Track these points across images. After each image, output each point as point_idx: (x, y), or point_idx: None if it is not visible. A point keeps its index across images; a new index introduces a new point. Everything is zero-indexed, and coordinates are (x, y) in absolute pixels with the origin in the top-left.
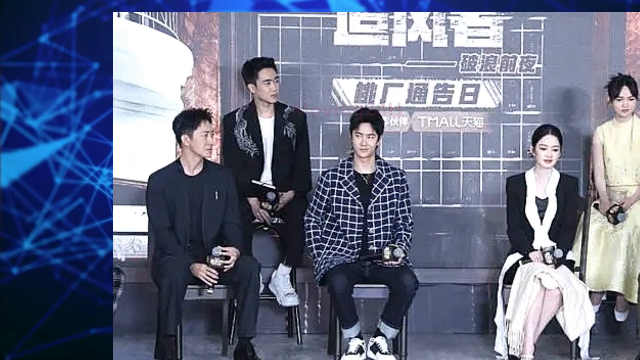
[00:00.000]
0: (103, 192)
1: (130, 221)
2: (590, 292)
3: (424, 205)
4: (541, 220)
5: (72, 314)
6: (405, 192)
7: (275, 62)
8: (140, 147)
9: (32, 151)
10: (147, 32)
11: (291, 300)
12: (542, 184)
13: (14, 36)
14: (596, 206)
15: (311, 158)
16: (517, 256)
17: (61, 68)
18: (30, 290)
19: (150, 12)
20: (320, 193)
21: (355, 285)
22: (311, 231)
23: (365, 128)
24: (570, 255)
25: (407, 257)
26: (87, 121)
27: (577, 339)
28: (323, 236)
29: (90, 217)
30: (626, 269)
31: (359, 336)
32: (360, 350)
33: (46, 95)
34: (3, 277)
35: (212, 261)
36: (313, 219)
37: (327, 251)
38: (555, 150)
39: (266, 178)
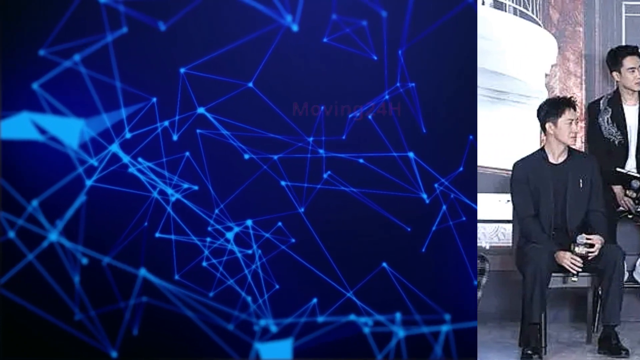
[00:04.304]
0: None
1: (494, 209)
2: None
3: None
4: None
5: None
6: None
7: None
8: (505, 135)
9: None
10: (511, 19)
11: None
12: None
13: None
14: None
15: None
16: None
17: None
18: None
19: (514, 0)
20: None
21: None
22: None
23: None
24: None
25: None
26: None
27: None
28: None
29: None
30: None
31: None
32: None
33: None
34: None
35: (576, 249)
36: None
37: None
38: None
39: (630, 166)
